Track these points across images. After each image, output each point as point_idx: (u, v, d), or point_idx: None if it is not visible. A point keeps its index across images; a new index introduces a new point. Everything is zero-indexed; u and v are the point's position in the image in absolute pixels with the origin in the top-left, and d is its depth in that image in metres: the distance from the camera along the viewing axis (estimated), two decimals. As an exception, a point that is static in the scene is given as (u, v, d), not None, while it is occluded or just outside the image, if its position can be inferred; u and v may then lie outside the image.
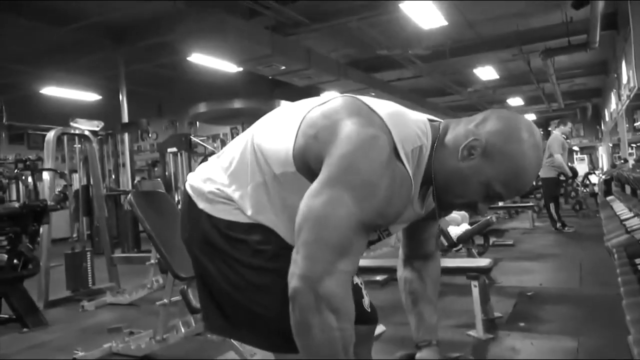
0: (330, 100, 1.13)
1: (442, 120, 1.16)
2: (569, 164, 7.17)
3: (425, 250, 1.39)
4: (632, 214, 3.80)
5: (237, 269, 1.14)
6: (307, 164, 1.06)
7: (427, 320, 1.33)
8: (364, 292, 1.39)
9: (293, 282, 0.96)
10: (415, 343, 1.32)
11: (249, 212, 1.14)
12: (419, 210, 1.17)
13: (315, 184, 1.00)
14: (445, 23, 7.22)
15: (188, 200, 1.23)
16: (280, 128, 1.15)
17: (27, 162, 4.92)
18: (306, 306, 0.94)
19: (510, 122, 1.06)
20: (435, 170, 1.08)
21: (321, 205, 0.97)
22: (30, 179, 5.34)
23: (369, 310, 1.38)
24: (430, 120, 1.14)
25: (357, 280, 1.38)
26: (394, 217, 1.07)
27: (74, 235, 6.72)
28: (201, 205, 1.19)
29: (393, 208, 1.03)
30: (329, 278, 0.94)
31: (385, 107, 1.08)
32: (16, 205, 3.98)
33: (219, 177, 1.20)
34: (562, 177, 6.87)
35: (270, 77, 8.61)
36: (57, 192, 4.67)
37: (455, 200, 1.11)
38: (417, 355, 1.28)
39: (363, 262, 3.91)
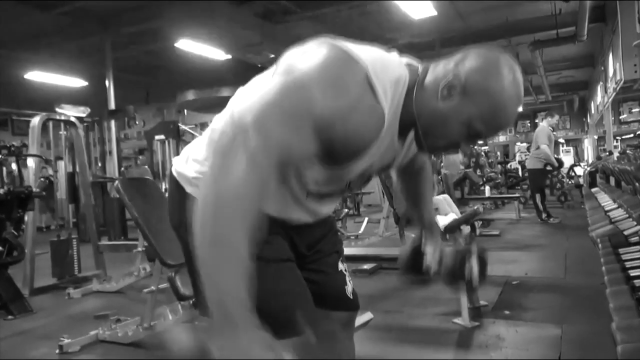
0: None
1: (420, 64, 1.13)
2: (555, 155, 7.25)
3: (416, 164, 1.44)
4: (616, 205, 3.87)
5: None
6: None
7: (425, 217, 1.48)
8: (348, 279, 1.40)
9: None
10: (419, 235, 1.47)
11: None
12: (398, 149, 1.16)
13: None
14: (435, 13, 7.22)
15: (175, 184, 1.22)
16: (257, 87, 1.12)
17: (12, 148, 4.85)
18: (231, 137, 0.88)
19: (490, 58, 1.03)
20: (417, 113, 1.06)
21: (280, 85, 0.92)
22: (14, 165, 5.27)
23: (351, 297, 1.39)
24: (408, 64, 1.11)
25: (341, 266, 1.39)
26: (355, 140, 1.01)
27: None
28: (189, 189, 1.18)
29: (356, 127, 0.98)
30: (266, 138, 0.87)
31: (362, 49, 1.04)
32: (0, 191, 3.91)
33: (204, 157, 1.18)
34: (548, 167, 6.97)
35: (259, 65, 8.56)
36: (41, 179, 4.62)
37: (438, 141, 1.09)
38: (424, 246, 1.44)
39: (351, 251, 3.94)
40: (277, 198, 1.13)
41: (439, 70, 1.06)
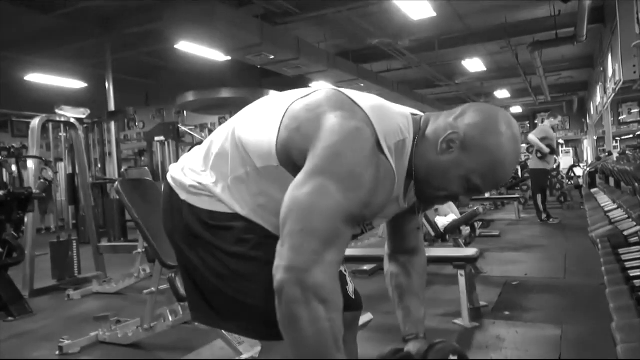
0: (313, 93, 1.12)
1: (423, 114, 1.16)
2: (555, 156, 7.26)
3: (410, 245, 1.39)
4: (615, 206, 3.87)
5: (220, 258, 1.14)
6: (290, 157, 1.05)
7: (413, 313, 1.33)
8: (349, 279, 1.40)
9: (279, 274, 0.93)
10: (403, 336, 1.32)
11: (231, 206, 1.14)
12: (402, 204, 1.18)
13: (300, 175, 0.99)
14: (434, 14, 7.22)
15: (170, 191, 1.22)
16: (262, 121, 1.13)
17: (12, 150, 4.85)
18: (293, 298, 0.92)
19: (488, 115, 1.06)
20: (417, 164, 1.09)
21: (307, 195, 0.95)
22: (14, 167, 5.27)
23: (354, 297, 1.39)
24: (412, 114, 1.14)
25: (340, 267, 1.39)
26: (378, 208, 1.07)
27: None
28: (183, 196, 1.18)
29: (378, 199, 1.03)
30: (317, 268, 0.92)
31: (368, 101, 1.07)
32: (0, 193, 3.91)
33: (201, 169, 1.20)
34: (538, 155, 6.92)
35: (259, 67, 8.56)
36: (41, 180, 4.62)
37: (436, 193, 1.12)
38: (406, 348, 1.28)
39: (351, 252, 3.93)
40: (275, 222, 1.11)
41: (439, 123, 1.09)
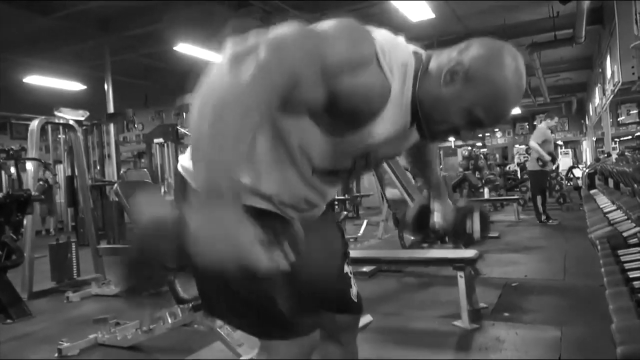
0: None
1: (424, 52, 1.16)
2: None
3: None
4: (614, 207, 3.86)
5: None
6: None
7: (433, 178, 1.54)
8: (353, 281, 1.40)
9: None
10: (426, 195, 1.57)
11: (246, 180, 1.12)
12: (409, 137, 1.18)
13: None
14: (433, 16, 7.23)
15: (181, 181, 1.21)
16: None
17: (10, 152, 4.85)
18: (245, 46, 0.87)
19: (493, 48, 1.06)
20: (420, 98, 1.08)
21: (299, 29, 0.94)
22: (13, 169, 5.27)
23: (356, 300, 1.39)
24: (415, 52, 1.14)
25: (347, 269, 1.39)
26: (360, 99, 1.00)
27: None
28: (195, 185, 1.18)
29: (362, 85, 0.98)
30: (283, 53, 0.87)
31: (374, 29, 1.07)
32: (-1, 195, 3.90)
33: None
34: (540, 163, 6.93)
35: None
36: (40, 182, 4.61)
37: (438, 127, 1.10)
38: (433, 216, 1.52)
39: (350, 253, 3.94)
40: (285, 177, 1.13)
41: (442, 57, 1.09)
